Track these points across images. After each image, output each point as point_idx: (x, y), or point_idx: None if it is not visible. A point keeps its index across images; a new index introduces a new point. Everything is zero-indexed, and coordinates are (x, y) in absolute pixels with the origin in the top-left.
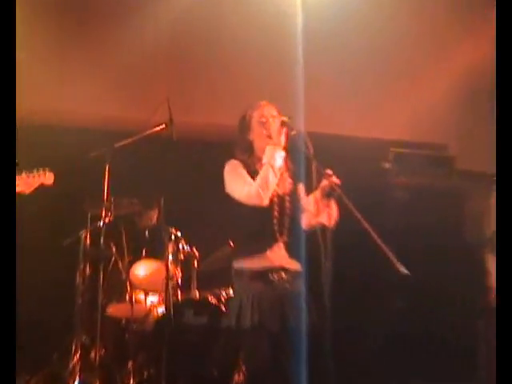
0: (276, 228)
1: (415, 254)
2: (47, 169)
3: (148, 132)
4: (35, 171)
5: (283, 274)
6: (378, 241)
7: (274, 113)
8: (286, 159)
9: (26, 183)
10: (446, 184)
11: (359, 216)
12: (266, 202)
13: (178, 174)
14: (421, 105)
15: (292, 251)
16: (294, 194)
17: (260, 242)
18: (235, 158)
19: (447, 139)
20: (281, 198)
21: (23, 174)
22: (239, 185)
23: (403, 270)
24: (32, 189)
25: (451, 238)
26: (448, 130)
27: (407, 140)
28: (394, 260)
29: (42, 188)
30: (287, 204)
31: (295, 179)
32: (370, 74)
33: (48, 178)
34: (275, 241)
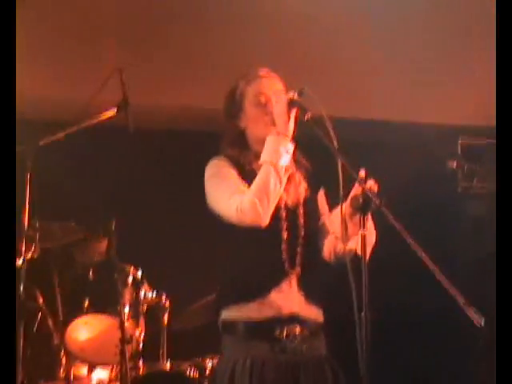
0: (285, 256)
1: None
2: None
3: (91, 121)
4: None
5: (296, 328)
6: (441, 277)
7: (279, 87)
8: (296, 154)
9: None
10: None
11: (410, 240)
12: (266, 221)
13: (137, 182)
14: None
15: (309, 291)
16: (311, 205)
17: (261, 279)
18: (221, 155)
19: None
20: (291, 212)
21: None
22: (225, 195)
23: (479, 319)
24: None
25: None
26: None
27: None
28: (466, 306)
29: None
30: (301, 220)
31: (313, 183)
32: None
33: None
34: (284, 276)
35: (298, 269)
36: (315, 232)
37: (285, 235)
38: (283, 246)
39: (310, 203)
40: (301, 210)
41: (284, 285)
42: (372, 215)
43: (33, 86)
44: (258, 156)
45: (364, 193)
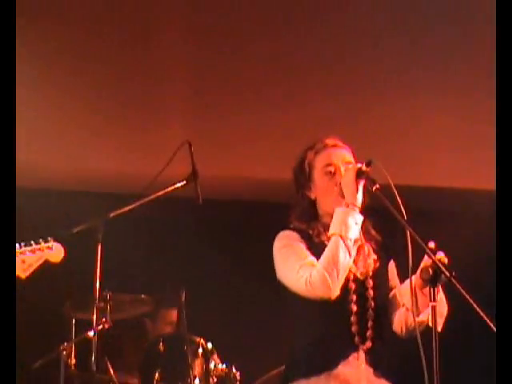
0: (355, 330)
1: None
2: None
3: (161, 192)
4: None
5: None
6: None
7: (348, 157)
8: (366, 226)
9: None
10: None
11: (482, 313)
12: (335, 293)
13: (207, 253)
14: None
15: (378, 365)
16: (381, 277)
17: (329, 352)
18: (290, 228)
19: None
20: (361, 284)
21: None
22: (294, 267)
23: None
24: (32, 269)
25: None
26: None
27: None
28: None
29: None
30: (371, 293)
31: (383, 254)
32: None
33: (56, 252)
34: (354, 349)
35: (368, 343)
36: (385, 304)
37: (354, 308)
38: (352, 319)
39: (380, 275)
40: (370, 282)
41: (352, 358)
42: (443, 287)
43: (104, 161)
44: (327, 228)
45: (434, 264)
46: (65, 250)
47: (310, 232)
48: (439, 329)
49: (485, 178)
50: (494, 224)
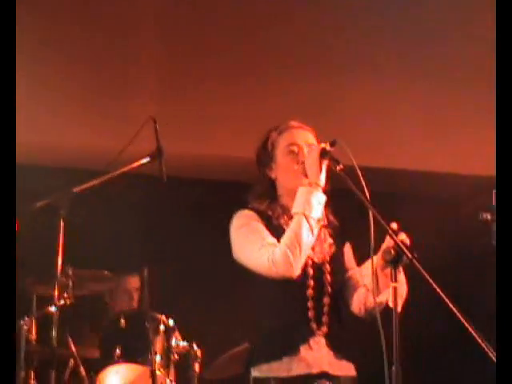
0: (311, 315)
1: None
2: None
3: (124, 169)
4: None
5: (327, 383)
6: (475, 334)
7: (311, 138)
8: (325, 209)
9: None
10: None
11: (443, 295)
12: (297, 271)
13: (170, 230)
14: None
15: (338, 348)
16: (337, 261)
17: (289, 337)
18: (248, 208)
19: None
20: (318, 270)
21: None
22: (255, 246)
23: None
24: None
25: None
26: None
27: None
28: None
29: None
30: (328, 278)
31: (339, 237)
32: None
33: None
34: (311, 334)
35: (324, 328)
36: (342, 289)
37: (311, 293)
38: (309, 304)
39: (337, 260)
40: (328, 267)
41: (312, 342)
42: (404, 268)
43: (68, 136)
44: (286, 210)
45: (396, 245)
46: (23, 225)
47: (269, 213)
48: (399, 309)
49: (448, 162)
50: (459, 208)
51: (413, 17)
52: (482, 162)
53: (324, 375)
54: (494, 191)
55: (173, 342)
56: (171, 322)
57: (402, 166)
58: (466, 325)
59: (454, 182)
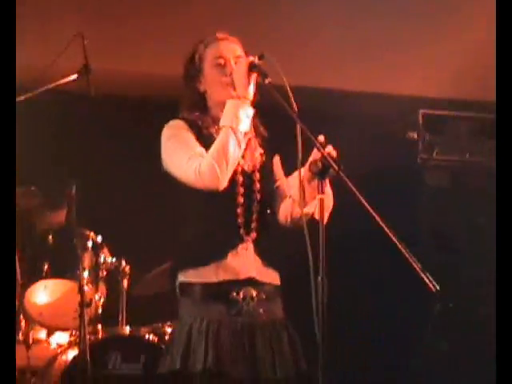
0: (241, 221)
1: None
2: None
3: (51, 85)
4: None
5: (253, 291)
6: (398, 244)
7: (239, 51)
8: (254, 121)
9: None
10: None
11: (367, 206)
12: (223, 184)
13: (97, 146)
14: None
15: (265, 255)
16: (267, 170)
17: (217, 243)
18: (179, 118)
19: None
20: (248, 177)
21: None
22: (183, 157)
23: (435, 285)
24: None
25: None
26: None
27: (443, 98)
28: (422, 272)
29: None
30: (257, 185)
31: (269, 149)
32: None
33: None
34: (240, 240)
35: (253, 234)
36: (271, 197)
37: (241, 200)
38: (238, 211)
39: (266, 169)
40: (257, 175)
41: (240, 249)
42: (330, 181)
43: None
44: (216, 120)
45: (323, 157)
46: None
47: (199, 123)
48: (325, 221)
49: (378, 82)
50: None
51: None
52: (409, 83)
53: (251, 281)
54: (421, 111)
55: (101, 259)
56: (99, 239)
57: (331, 85)
58: (390, 235)
59: (383, 101)
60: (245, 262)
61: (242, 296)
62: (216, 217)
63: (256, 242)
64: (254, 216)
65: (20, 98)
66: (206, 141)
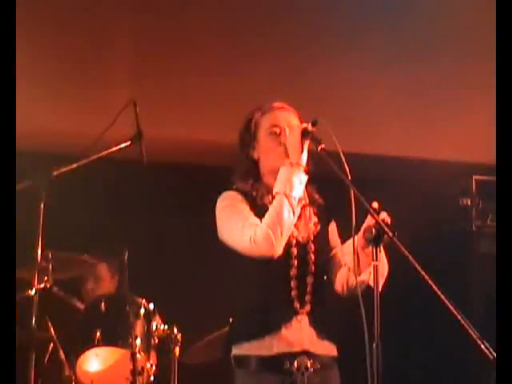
0: (295, 294)
1: None
2: None
3: (104, 153)
4: None
5: (307, 361)
6: (455, 312)
7: (295, 121)
8: (309, 189)
9: None
10: None
11: (423, 273)
12: (279, 251)
13: (150, 215)
14: None
15: (320, 327)
16: (322, 240)
17: (271, 317)
18: (232, 189)
19: None
20: (302, 249)
21: None
22: (238, 226)
23: (491, 352)
24: None
25: None
26: None
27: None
28: (479, 340)
29: None
30: (312, 257)
31: (324, 217)
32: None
33: None
34: (294, 313)
35: (307, 307)
36: (325, 268)
37: (295, 272)
38: (292, 284)
39: (321, 239)
40: (312, 247)
41: (295, 322)
42: (385, 248)
43: (49, 120)
44: (269, 190)
45: (377, 224)
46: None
47: (253, 194)
48: (380, 288)
49: (436, 149)
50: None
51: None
52: (461, 149)
53: (305, 354)
54: (474, 177)
55: (153, 326)
56: (151, 306)
57: (384, 152)
58: (446, 302)
59: (435, 167)
60: (299, 334)
61: (296, 366)
62: (270, 289)
63: (310, 315)
64: (308, 288)
65: (73, 166)
66: (260, 211)
